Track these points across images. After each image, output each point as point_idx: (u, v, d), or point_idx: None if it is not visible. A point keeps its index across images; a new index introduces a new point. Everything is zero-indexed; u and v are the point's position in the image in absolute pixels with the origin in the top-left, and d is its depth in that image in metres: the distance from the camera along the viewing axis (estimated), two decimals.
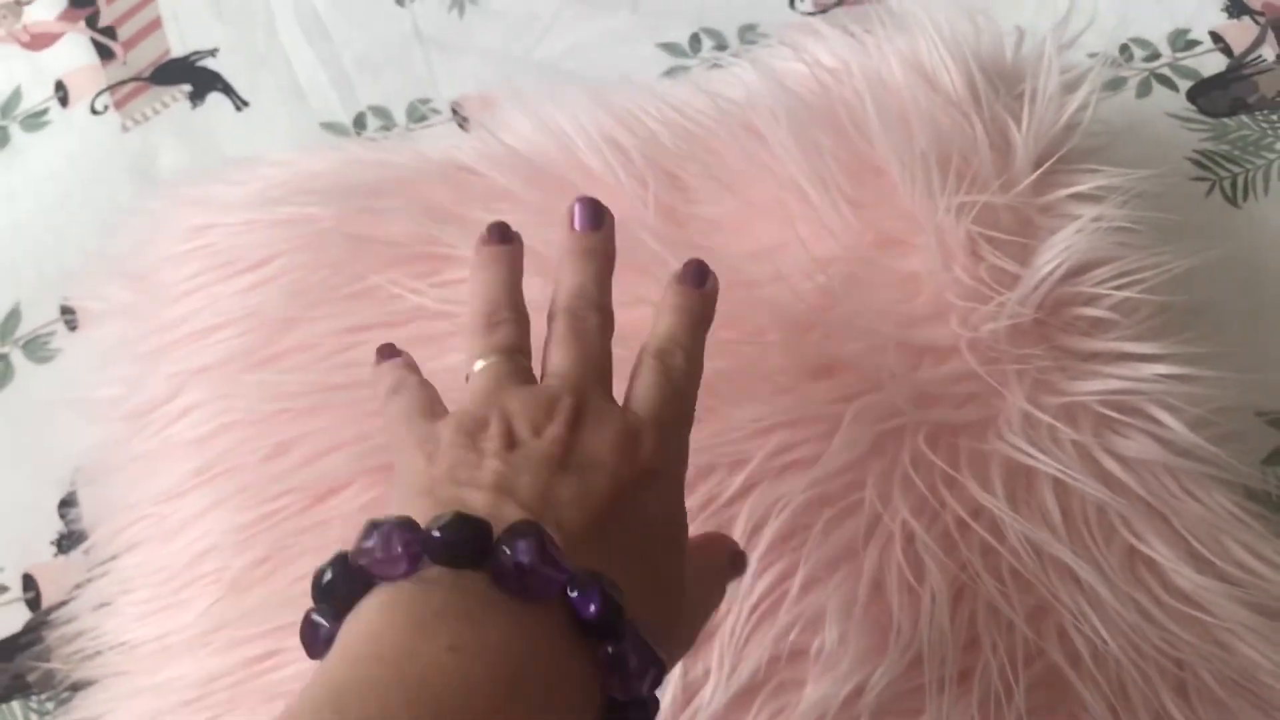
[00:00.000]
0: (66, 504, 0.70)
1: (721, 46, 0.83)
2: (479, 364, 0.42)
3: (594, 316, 0.43)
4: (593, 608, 0.33)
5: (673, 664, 0.42)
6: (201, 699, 0.53)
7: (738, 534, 0.52)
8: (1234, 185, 0.74)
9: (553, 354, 0.42)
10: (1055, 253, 0.56)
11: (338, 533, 0.54)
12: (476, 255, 0.45)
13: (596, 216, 0.45)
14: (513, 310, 0.44)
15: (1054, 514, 0.53)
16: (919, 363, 0.55)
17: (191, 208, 0.67)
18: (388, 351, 0.47)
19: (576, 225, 0.45)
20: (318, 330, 0.58)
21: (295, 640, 0.52)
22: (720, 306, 0.55)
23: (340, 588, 0.34)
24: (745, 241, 0.58)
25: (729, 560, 0.45)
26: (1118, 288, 0.56)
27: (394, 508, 0.36)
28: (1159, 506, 0.53)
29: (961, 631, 0.50)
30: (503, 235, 0.46)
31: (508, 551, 0.32)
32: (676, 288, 0.45)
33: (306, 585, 0.53)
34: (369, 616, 0.33)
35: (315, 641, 0.34)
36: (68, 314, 0.76)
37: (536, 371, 0.43)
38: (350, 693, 0.30)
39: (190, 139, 0.82)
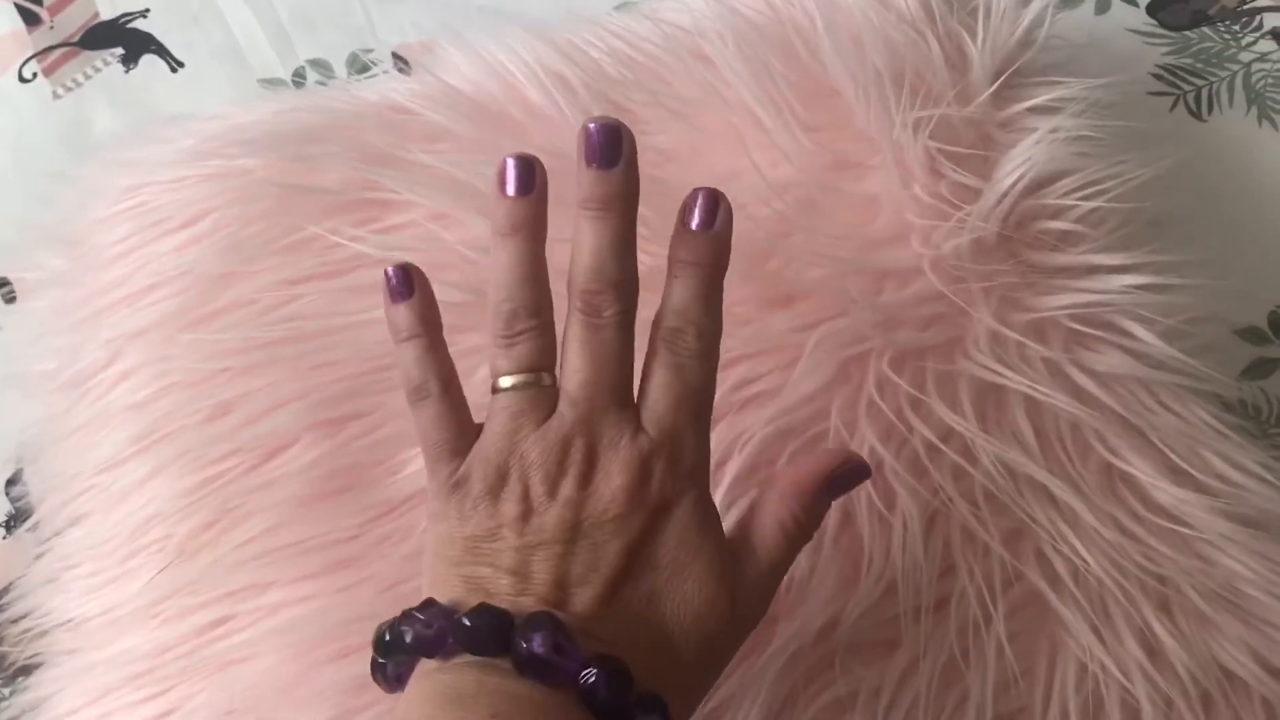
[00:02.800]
0: (12, 483, 0.67)
1: None
2: (503, 382, 0.40)
3: (611, 305, 0.40)
4: (601, 693, 0.36)
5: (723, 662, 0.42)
6: (153, 671, 0.51)
7: None
8: (1198, 99, 0.72)
9: (569, 362, 0.40)
10: (1015, 165, 0.54)
11: (285, 491, 0.52)
12: (495, 215, 0.40)
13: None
14: (534, 313, 0.40)
15: (1026, 433, 0.51)
16: (881, 287, 0.54)
17: (123, 169, 0.64)
18: (399, 285, 0.41)
19: (590, 164, 0.39)
20: (255, 285, 0.56)
21: (247, 606, 0.51)
22: None
23: (396, 649, 0.38)
24: (697, 171, 0.56)
25: (825, 489, 0.43)
26: (1083, 199, 0.55)
27: (428, 565, 0.40)
28: (1135, 421, 0.52)
29: (936, 559, 0.49)
30: (523, 183, 0.40)
31: (524, 645, 0.36)
32: (683, 235, 0.40)
33: (256, 548, 0.51)
34: (419, 699, 0.37)
35: (385, 680, 0.39)
36: (4, 286, 0.73)
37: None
38: None
39: (126, 103, 0.79)
